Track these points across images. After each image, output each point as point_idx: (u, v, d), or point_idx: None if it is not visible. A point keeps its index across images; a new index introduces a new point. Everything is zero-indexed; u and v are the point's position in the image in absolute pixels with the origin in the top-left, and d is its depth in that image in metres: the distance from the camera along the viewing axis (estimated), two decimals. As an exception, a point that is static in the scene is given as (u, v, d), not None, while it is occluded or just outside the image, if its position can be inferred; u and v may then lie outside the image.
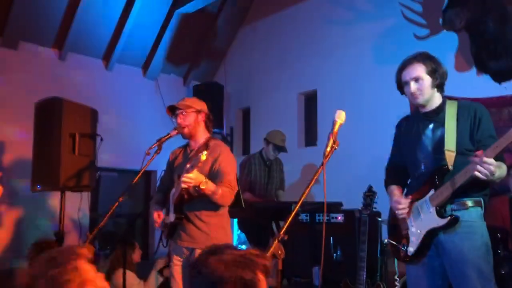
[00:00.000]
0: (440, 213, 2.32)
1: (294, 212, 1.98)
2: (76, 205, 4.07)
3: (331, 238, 3.69)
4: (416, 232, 2.41)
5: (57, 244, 3.65)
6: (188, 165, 2.65)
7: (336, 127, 2.20)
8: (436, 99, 2.48)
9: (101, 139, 3.83)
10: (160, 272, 4.53)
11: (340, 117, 2.22)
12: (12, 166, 5.28)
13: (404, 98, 4.39)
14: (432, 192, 2.37)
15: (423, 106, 2.50)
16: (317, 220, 3.85)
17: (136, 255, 4.52)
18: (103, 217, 2.75)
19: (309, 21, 6.11)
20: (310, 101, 6.20)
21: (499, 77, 4.38)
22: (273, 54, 6.55)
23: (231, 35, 7.17)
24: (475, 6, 4.00)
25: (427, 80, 2.42)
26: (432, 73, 2.43)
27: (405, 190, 2.63)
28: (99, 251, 5.42)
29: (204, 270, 1.22)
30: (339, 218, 3.80)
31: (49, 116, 3.66)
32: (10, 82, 5.40)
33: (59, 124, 3.58)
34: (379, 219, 3.60)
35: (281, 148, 4.95)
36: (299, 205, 2.00)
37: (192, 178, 2.65)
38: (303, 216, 4.01)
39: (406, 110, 4.33)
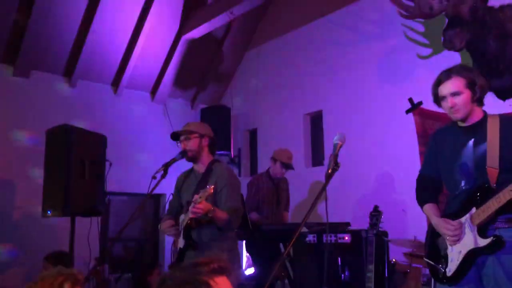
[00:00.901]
0: (482, 233, 2.20)
1: (297, 234, 2.02)
2: (86, 230, 4.13)
3: (339, 258, 3.69)
4: (456, 252, 2.29)
5: (70, 255, 3.74)
6: (196, 196, 2.72)
7: (337, 149, 2.25)
8: (476, 113, 2.37)
9: (110, 164, 3.91)
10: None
11: (341, 139, 2.27)
12: (24, 191, 5.38)
13: (409, 117, 4.43)
14: (473, 210, 2.25)
15: (463, 121, 2.38)
16: (324, 241, 3.86)
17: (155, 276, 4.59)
18: (114, 241, 2.80)
19: (313, 42, 6.21)
20: (316, 121, 6.25)
21: (502, 95, 4.39)
22: (278, 76, 6.64)
23: (237, 58, 7.29)
24: (475, 26, 4.04)
25: (466, 94, 2.32)
26: (471, 86, 2.32)
27: (441, 206, 2.51)
28: (109, 275, 5.45)
29: None
30: (346, 238, 3.81)
31: (60, 143, 3.75)
32: (22, 110, 5.54)
33: (69, 151, 3.67)
34: (386, 238, 3.60)
35: (288, 166, 4.99)
36: (301, 227, 2.03)
37: (201, 208, 2.71)
38: (310, 237, 4.01)
39: (411, 130, 4.37)
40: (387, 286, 3.33)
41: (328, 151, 5.81)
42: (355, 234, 3.81)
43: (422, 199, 2.55)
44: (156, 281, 1.27)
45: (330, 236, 3.78)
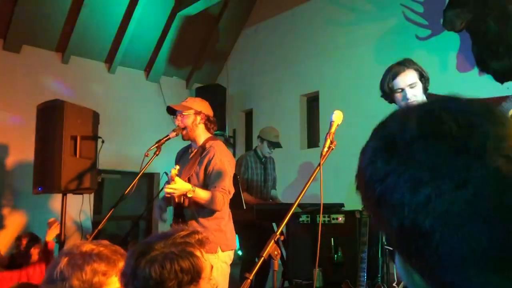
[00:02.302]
0: None
1: (289, 213, 1.98)
2: (79, 208, 4.09)
3: (332, 239, 3.69)
4: None
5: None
6: (170, 174, 2.65)
7: (334, 127, 2.21)
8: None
9: (103, 141, 3.85)
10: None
11: (338, 117, 2.22)
12: (14, 167, 5.32)
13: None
14: None
15: None
16: (318, 221, 3.85)
17: None
18: (108, 219, 2.76)
19: (311, 22, 6.12)
20: (312, 103, 6.20)
21: (501, 77, 4.36)
22: (275, 56, 6.56)
23: (233, 37, 7.19)
24: (475, 7, 3.98)
25: (419, 85, 2.44)
26: (421, 78, 2.45)
27: None
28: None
29: (141, 275, 1.16)
30: (340, 219, 3.80)
31: (51, 118, 3.69)
32: (13, 85, 5.44)
33: (61, 126, 3.60)
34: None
35: (275, 144, 4.97)
36: (294, 206, 2.00)
37: (175, 188, 2.65)
38: (304, 218, 4.00)
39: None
40: (380, 267, 3.33)
41: (324, 133, 5.75)
42: (349, 215, 3.80)
43: None
44: (128, 254, 1.24)
45: (324, 217, 3.77)
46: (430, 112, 0.55)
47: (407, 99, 2.43)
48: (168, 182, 2.65)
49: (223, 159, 2.94)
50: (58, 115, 3.62)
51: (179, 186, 2.66)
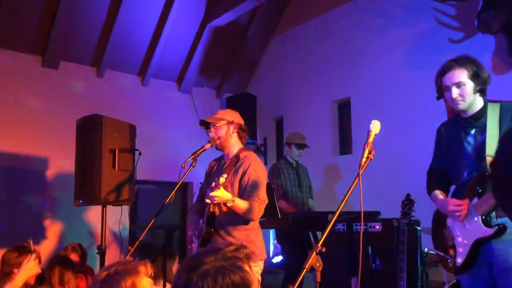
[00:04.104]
0: (486, 222, 2.24)
1: (330, 225, 1.98)
2: (116, 218, 4.18)
3: (369, 247, 3.65)
4: (462, 242, 2.34)
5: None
6: (213, 184, 2.71)
7: (371, 137, 2.20)
8: (478, 104, 2.41)
9: (140, 153, 3.93)
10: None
11: (375, 127, 2.21)
12: (54, 179, 5.50)
13: (440, 104, 4.31)
14: (475, 200, 2.29)
15: (465, 111, 2.43)
16: (354, 230, 3.82)
17: (176, 267, 4.59)
18: (142, 229, 2.82)
19: (340, 28, 6.10)
20: (344, 109, 6.17)
21: (537, 80, 4.24)
22: (305, 63, 6.56)
23: (263, 45, 7.23)
24: (511, 8, 3.89)
25: (469, 85, 2.35)
26: (474, 77, 2.36)
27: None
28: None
29: None
30: (377, 227, 3.76)
31: (90, 133, 3.79)
32: (51, 100, 5.63)
33: (100, 140, 3.70)
34: (418, 227, 3.53)
35: (303, 145, 5.05)
36: (335, 217, 2.00)
37: (217, 196, 2.69)
38: (340, 226, 3.98)
39: (443, 116, 4.25)
40: (419, 275, 3.27)
41: (356, 139, 5.73)
42: (386, 223, 3.75)
43: (429, 189, 2.61)
44: (179, 268, 1.27)
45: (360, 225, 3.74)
46: None
47: (452, 98, 2.38)
48: (211, 190, 2.70)
49: (258, 169, 2.99)
50: (97, 130, 3.72)
51: (221, 194, 2.71)
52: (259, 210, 2.90)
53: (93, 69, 6.08)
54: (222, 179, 2.66)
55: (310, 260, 1.81)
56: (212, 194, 2.68)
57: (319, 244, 1.87)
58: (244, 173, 2.96)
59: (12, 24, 5.26)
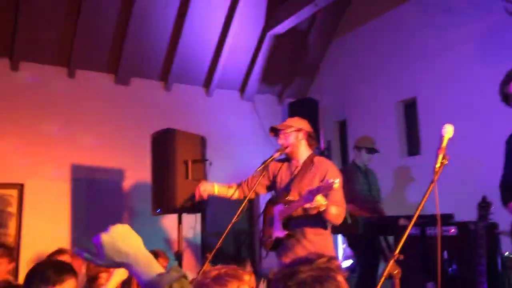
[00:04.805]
0: None
1: (407, 232, 1.99)
2: (190, 225, 4.39)
3: (445, 252, 3.56)
4: None
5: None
6: (314, 189, 2.66)
7: (445, 142, 2.18)
8: None
9: (210, 164, 4.11)
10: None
11: (448, 131, 2.19)
12: (131, 190, 5.83)
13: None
14: None
15: None
16: (427, 234, 3.73)
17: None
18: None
19: (403, 27, 5.98)
20: (410, 109, 6.03)
21: None
22: (366, 64, 6.48)
23: (323, 49, 7.23)
24: None
25: None
26: None
27: None
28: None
29: None
30: (452, 230, 3.65)
31: (165, 146, 4.02)
32: (125, 115, 5.98)
33: (174, 152, 3.92)
34: (497, 231, 3.40)
35: (373, 150, 4.96)
36: (412, 224, 2.00)
37: (321, 203, 2.68)
38: (412, 230, 3.90)
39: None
40: (501, 280, 3.15)
41: (424, 139, 5.59)
42: (462, 226, 3.64)
43: (506, 200, 2.53)
44: (279, 276, 1.34)
45: (434, 229, 3.65)
46: None
47: None
48: (312, 193, 2.65)
49: (337, 174, 3.00)
50: (171, 143, 3.94)
51: (320, 199, 2.70)
52: (342, 214, 2.94)
53: (161, 83, 6.38)
54: (336, 185, 2.53)
55: (388, 268, 1.83)
56: (317, 200, 2.65)
57: (397, 252, 1.88)
58: (323, 178, 2.95)
59: (88, 46, 5.66)
